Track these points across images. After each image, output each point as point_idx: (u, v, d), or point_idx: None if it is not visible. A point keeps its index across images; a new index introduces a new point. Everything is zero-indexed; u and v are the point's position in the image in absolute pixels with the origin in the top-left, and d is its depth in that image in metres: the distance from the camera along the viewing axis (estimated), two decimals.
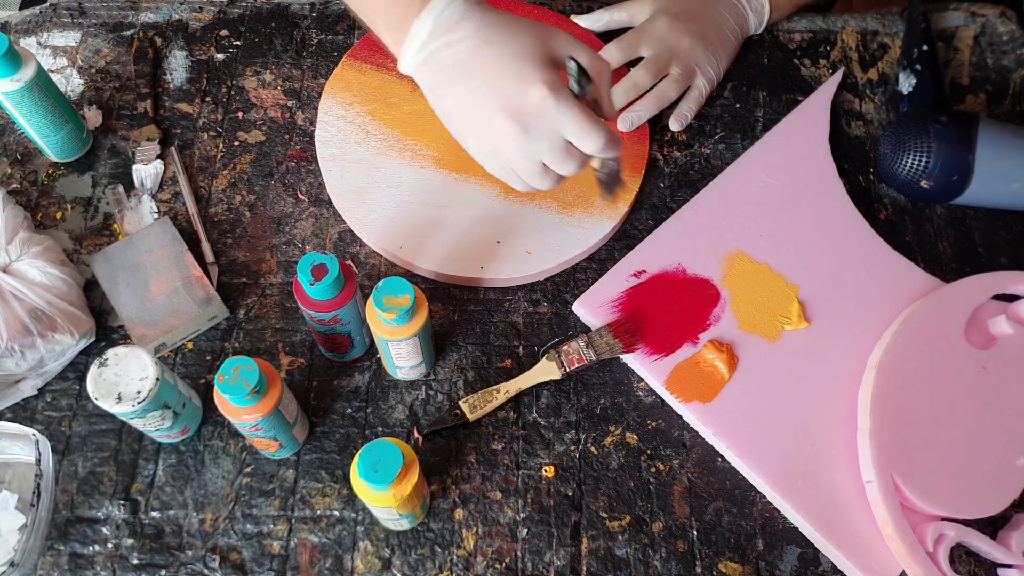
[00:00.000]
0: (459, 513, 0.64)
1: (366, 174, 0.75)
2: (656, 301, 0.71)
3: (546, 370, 0.68)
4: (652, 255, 0.73)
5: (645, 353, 0.69)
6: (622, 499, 0.65)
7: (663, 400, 0.68)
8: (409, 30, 0.57)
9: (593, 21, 0.84)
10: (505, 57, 0.56)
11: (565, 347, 0.68)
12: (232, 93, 0.81)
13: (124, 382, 0.57)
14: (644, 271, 0.72)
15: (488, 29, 0.56)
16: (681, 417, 0.68)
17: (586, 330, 0.71)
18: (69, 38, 0.83)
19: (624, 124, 0.78)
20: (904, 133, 0.74)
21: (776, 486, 0.64)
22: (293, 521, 0.63)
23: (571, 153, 0.57)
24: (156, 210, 0.75)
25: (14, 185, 0.76)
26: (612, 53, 0.79)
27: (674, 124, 0.80)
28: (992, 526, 0.65)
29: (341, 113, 0.78)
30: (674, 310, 0.70)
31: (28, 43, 0.83)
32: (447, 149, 0.77)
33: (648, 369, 0.68)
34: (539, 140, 0.56)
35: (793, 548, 0.64)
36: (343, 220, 0.75)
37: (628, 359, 0.69)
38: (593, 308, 0.70)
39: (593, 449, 0.67)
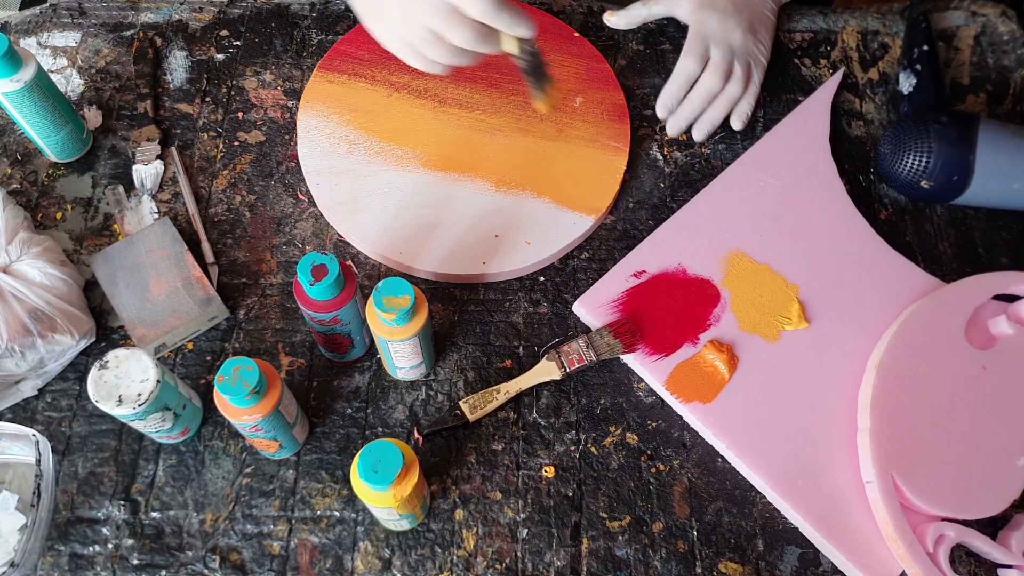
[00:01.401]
0: (459, 513, 0.64)
1: (355, 184, 0.74)
2: (656, 301, 0.71)
3: (546, 370, 0.68)
4: (652, 255, 0.73)
5: (645, 353, 0.69)
6: (622, 499, 0.65)
7: (663, 400, 0.68)
8: None
9: (631, 18, 0.81)
10: None
11: (565, 347, 0.68)
12: (232, 93, 0.81)
13: (125, 384, 0.57)
14: (644, 271, 0.72)
15: None
16: (681, 417, 0.68)
17: (586, 330, 0.71)
18: (69, 38, 0.83)
19: (699, 133, 0.78)
20: (904, 133, 0.74)
21: (776, 486, 0.64)
22: (293, 521, 0.63)
23: (457, 18, 0.57)
24: (156, 210, 0.75)
25: (14, 185, 0.76)
26: (689, 65, 0.75)
27: (736, 123, 0.79)
28: (992, 526, 0.65)
29: (320, 126, 0.77)
30: (674, 310, 0.70)
31: (28, 43, 0.82)
32: (433, 150, 0.76)
33: (648, 369, 0.68)
34: (420, 2, 0.57)
35: (793, 548, 0.64)
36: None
37: (628, 359, 0.69)
38: (593, 308, 0.70)
39: (593, 449, 0.67)
